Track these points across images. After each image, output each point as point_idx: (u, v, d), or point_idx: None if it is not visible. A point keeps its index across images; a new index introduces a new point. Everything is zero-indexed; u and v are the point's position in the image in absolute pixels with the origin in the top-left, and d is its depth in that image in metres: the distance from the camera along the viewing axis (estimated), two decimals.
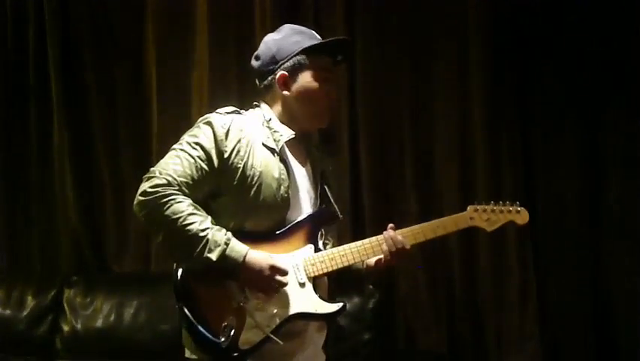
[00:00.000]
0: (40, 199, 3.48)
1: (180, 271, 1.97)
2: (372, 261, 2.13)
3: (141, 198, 1.93)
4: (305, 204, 2.09)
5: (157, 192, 1.91)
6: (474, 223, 2.16)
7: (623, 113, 3.07)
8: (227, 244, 1.93)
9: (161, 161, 1.99)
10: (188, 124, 2.15)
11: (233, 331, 1.94)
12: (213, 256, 1.90)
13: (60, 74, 3.40)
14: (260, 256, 1.96)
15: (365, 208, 3.21)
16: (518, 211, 2.18)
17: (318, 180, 2.14)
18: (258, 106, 2.14)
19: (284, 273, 1.97)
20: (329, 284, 2.12)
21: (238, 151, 1.99)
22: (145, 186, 1.94)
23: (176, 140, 2.05)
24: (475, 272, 3.18)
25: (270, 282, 1.96)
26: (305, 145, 2.16)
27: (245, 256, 1.93)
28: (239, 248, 1.94)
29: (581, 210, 3.13)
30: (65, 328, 3.12)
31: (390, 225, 2.07)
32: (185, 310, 1.95)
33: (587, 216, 3.12)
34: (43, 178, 3.47)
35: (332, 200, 2.14)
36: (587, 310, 3.11)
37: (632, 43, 3.04)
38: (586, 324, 3.10)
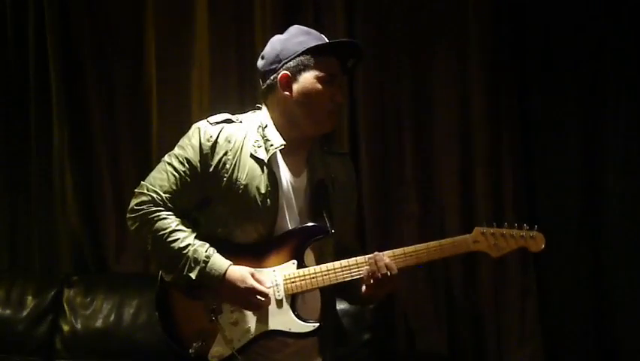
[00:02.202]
0: (40, 199, 3.48)
1: (161, 278, 2.06)
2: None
3: (129, 215, 2.04)
4: (295, 217, 2.03)
5: (142, 209, 2.01)
6: (478, 248, 2.00)
7: (624, 110, 3.07)
8: (206, 262, 1.96)
9: (151, 174, 2.06)
10: (188, 124, 2.15)
11: (203, 343, 1.98)
12: (193, 274, 1.95)
13: (60, 74, 3.39)
14: (241, 272, 1.96)
15: (364, 208, 3.21)
16: (533, 237, 1.98)
17: (314, 190, 2.05)
18: (260, 108, 2.11)
19: (264, 292, 1.95)
20: (323, 297, 2.07)
21: (224, 164, 1.99)
22: (133, 203, 2.03)
23: (176, 140, 2.10)
24: (475, 272, 3.17)
25: (250, 299, 1.96)
26: (306, 152, 2.08)
27: (225, 273, 1.95)
28: (219, 265, 1.96)
29: (582, 210, 3.12)
30: (65, 328, 3.12)
31: (376, 253, 1.98)
32: (159, 320, 2.06)
33: (588, 216, 3.12)
34: (43, 178, 3.47)
35: (324, 213, 2.02)
36: (587, 311, 3.11)
37: (632, 40, 3.04)
38: (586, 324, 3.10)
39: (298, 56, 2.00)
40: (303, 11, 3.23)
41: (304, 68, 2.00)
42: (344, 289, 2.07)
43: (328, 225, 2.01)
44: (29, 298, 3.19)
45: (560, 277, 3.13)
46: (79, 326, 3.11)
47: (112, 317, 3.10)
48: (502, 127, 3.16)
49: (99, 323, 3.10)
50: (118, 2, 3.46)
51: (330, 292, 2.08)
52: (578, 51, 3.09)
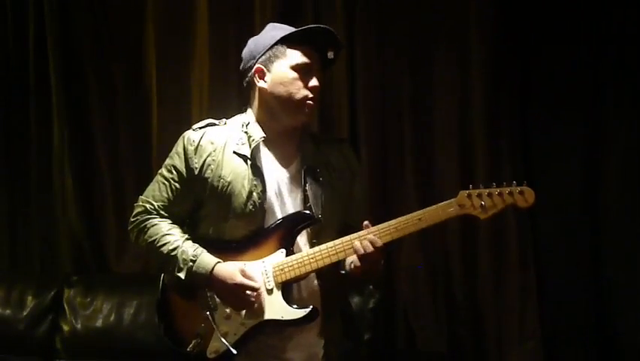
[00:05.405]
0: (40, 199, 3.48)
1: (162, 281, 2.12)
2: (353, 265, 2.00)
3: (129, 228, 2.14)
4: (285, 208, 2.05)
5: (137, 219, 2.12)
6: (464, 211, 1.91)
7: (624, 107, 3.07)
8: (193, 261, 2.00)
9: (148, 186, 2.15)
10: (188, 124, 2.18)
11: (200, 340, 2.01)
12: (182, 274, 2.01)
13: (60, 74, 3.40)
14: (229, 268, 1.99)
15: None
16: (521, 192, 1.90)
17: (304, 179, 2.05)
18: (246, 111, 2.15)
19: (253, 285, 1.97)
20: (322, 283, 2.07)
21: (208, 165, 2.04)
22: (131, 216, 2.14)
23: (176, 140, 2.15)
24: (475, 272, 3.18)
25: (240, 294, 1.97)
26: (295, 142, 2.11)
27: (212, 271, 1.99)
28: (205, 263, 2.00)
29: (581, 209, 3.12)
30: (65, 328, 3.12)
31: (365, 222, 1.97)
32: (159, 322, 2.10)
33: (587, 215, 3.12)
34: (43, 178, 3.47)
35: (310, 200, 2.02)
36: (587, 310, 3.11)
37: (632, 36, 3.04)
38: (586, 324, 3.10)
39: (270, 48, 2.06)
40: (303, 11, 3.23)
41: (276, 58, 2.05)
42: (342, 273, 2.06)
43: (314, 211, 2.01)
44: (29, 298, 3.19)
45: (560, 277, 3.13)
46: (79, 326, 3.11)
47: (112, 317, 3.10)
48: (502, 127, 3.16)
49: (99, 323, 3.10)
50: (118, 2, 3.46)
51: (330, 278, 2.07)
52: (579, 50, 3.09)
